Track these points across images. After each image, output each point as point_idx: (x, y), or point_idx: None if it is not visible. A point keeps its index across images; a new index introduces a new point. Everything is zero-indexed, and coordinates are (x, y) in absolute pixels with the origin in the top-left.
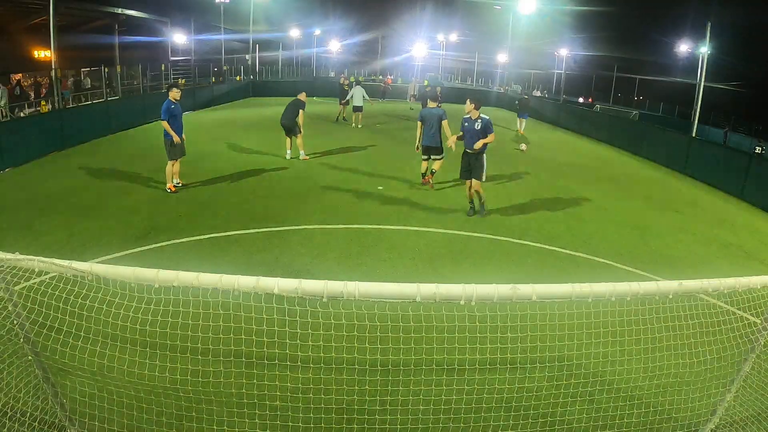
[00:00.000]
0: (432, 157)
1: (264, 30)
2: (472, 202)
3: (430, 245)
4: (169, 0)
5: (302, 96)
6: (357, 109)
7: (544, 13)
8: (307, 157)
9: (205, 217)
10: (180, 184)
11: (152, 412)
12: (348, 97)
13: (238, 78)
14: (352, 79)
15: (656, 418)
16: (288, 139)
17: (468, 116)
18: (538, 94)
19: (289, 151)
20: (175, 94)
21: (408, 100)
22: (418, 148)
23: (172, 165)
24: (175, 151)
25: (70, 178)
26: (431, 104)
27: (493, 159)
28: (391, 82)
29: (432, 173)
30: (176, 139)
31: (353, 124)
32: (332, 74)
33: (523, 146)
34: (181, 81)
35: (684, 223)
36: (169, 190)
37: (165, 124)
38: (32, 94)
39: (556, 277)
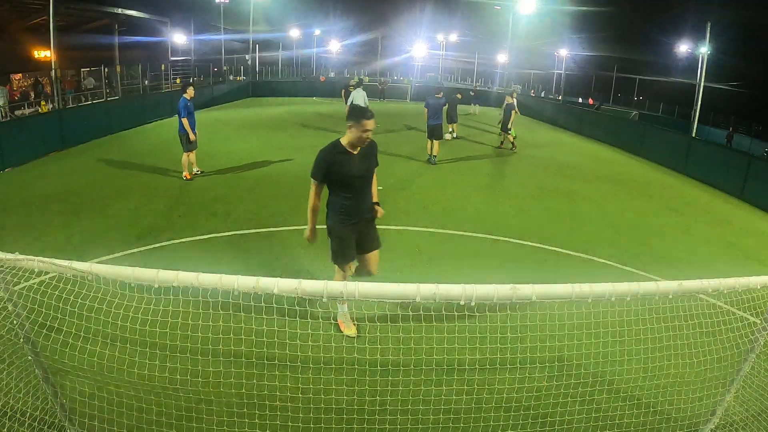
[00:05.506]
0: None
1: (264, 30)
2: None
3: (430, 245)
4: (169, 0)
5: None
6: None
7: (544, 13)
8: None
9: (204, 217)
10: (200, 172)
11: (152, 412)
12: (348, 102)
13: (226, 80)
14: (355, 79)
15: (656, 418)
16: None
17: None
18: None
19: None
20: (191, 92)
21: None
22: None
23: (187, 156)
24: (191, 145)
25: (71, 178)
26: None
27: (492, 159)
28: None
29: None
30: (192, 136)
31: None
32: (332, 74)
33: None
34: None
35: (684, 223)
36: (185, 178)
37: (185, 121)
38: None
39: (556, 277)
